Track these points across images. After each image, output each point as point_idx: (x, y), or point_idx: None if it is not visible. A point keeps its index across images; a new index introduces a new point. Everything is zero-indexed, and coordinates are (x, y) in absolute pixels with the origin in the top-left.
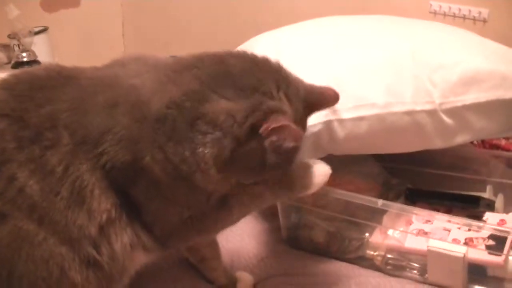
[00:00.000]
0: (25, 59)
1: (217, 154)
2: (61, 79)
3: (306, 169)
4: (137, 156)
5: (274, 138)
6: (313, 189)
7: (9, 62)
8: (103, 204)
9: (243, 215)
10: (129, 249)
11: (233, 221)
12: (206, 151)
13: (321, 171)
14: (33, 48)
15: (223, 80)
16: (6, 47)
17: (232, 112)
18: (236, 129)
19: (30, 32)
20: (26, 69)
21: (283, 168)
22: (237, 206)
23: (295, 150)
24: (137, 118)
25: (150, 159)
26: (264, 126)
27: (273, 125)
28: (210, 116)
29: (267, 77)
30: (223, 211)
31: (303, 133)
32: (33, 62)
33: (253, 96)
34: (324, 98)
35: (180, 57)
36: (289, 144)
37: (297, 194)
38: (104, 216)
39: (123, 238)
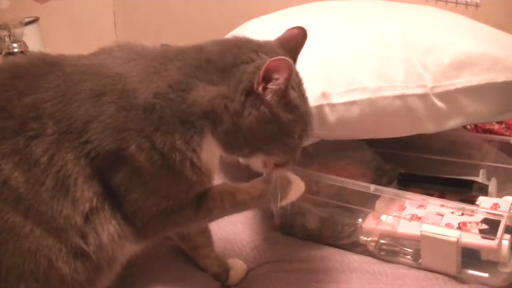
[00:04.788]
0: (15, 50)
1: (213, 137)
2: (45, 66)
3: (287, 180)
4: (122, 145)
5: (271, 84)
6: (287, 202)
7: (0, 53)
8: (85, 192)
9: (222, 217)
10: (117, 239)
11: (211, 221)
12: (199, 137)
13: (296, 186)
14: (24, 39)
15: (206, 67)
16: None
17: (222, 93)
18: (231, 106)
19: (20, 23)
20: (9, 58)
21: (295, 123)
22: (217, 210)
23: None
24: (124, 107)
25: (135, 148)
26: (256, 81)
27: (262, 72)
28: (199, 102)
29: (242, 50)
30: (203, 211)
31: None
32: (24, 53)
33: (237, 71)
34: (296, 40)
35: (165, 48)
36: (287, 74)
37: (276, 204)
38: (87, 205)
39: (109, 228)
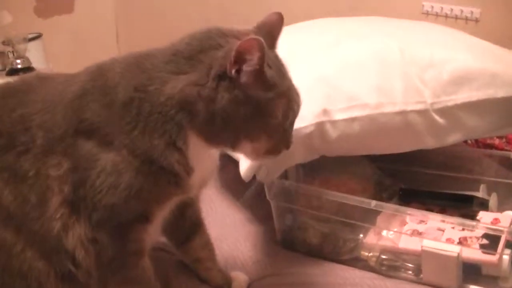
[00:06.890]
0: (19, 66)
1: (194, 131)
2: (36, 83)
3: None
4: (106, 140)
5: (246, 66)
6: None
7: (4, 69)
8: (59, 210)
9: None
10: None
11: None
12: (182, 134)
13: None
14: (27, 54)
15: (174, 60)
16: (0, 54)
17: (193, 80)
18: (204, 92)
19: (24, 38)
20: (6, 81)
21: (275, 102)
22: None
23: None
24: (106, 104)
25: (118, 143)
26: (228, 64)
27: (234, 54)
28: (173, 94)
29: (209, 35)
30: (131, 253)
31: (262, 39)
32: (27, 69)
33: (205, 56)
34: (273, 25)
35: (146, 49)
36: (259, 52)
37: None
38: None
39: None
